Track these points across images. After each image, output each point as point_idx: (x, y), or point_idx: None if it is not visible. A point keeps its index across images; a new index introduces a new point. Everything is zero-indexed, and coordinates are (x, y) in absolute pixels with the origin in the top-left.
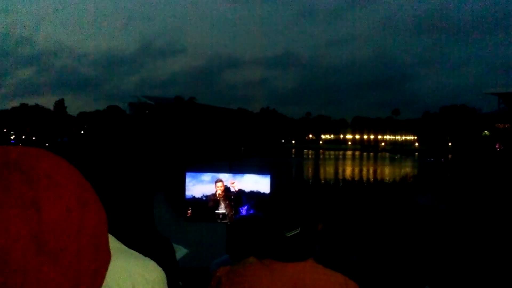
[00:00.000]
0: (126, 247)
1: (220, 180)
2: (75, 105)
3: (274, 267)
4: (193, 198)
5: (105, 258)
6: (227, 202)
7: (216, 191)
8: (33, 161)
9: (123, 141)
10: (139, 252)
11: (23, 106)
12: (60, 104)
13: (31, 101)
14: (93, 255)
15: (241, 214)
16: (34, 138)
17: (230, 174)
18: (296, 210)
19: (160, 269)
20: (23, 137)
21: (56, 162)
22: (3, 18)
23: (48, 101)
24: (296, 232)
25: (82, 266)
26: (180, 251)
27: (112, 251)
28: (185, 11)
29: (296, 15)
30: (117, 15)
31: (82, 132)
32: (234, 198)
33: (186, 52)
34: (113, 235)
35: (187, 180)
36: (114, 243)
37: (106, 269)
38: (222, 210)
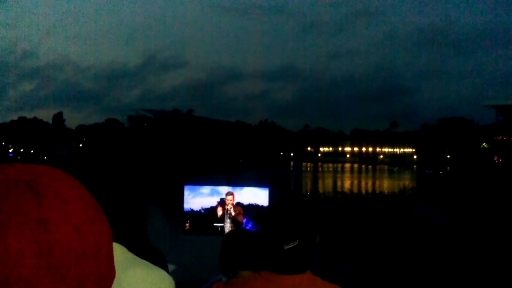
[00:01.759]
0: (137, 257)
1: (231, 193)
2: (75, 119)
3: (271, 279)
4: (191, 211)
5: (111, 274)
6: (232, 215)
7: (226, 204)
8: (43, 179)
9: (121, 154)
10: None
11: (22, 119)
12: (58, 117)
13: (32, 114)
14: (100, 272)
15: (241, 228)
16: (32, 151)
17: (229, 187)
18: (294, 223)
19: (170, 278)
20: (22, 150)
21: (64, 180)
22: (7, 32)
23: (49, 115)
24: (294, 244)
25: (88, 284)
26: (169, 267)
27: (125, 262)
28: (188, 25)
29: (299, 28)
30: (121, 29)
31: (81, 145)
32: (236, 212)
33: (188, 66)
34: None
35: (186, 193)
36: (126, 254)
37: (111, 283)
38: (227, 223)
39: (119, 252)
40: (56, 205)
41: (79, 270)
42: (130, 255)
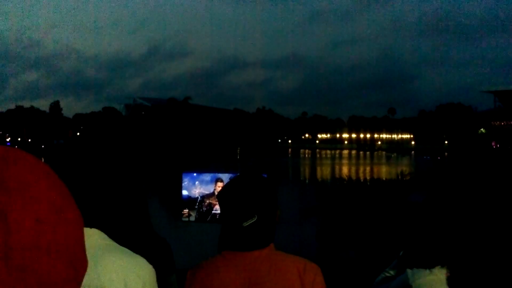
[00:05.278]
0: (117, 244)
1: (221, 180)
2: (76, 108)
3: (230, 258)
4: (190, 198)
5: (81, 265)
6: None
7: (214, 190)
8: (5, 165)
9: (118, 143)
10: (136, 251)
11: (19, 108)
12: (55, 106)
13: (34, 103)
14: (66, 266)
15: None
16: (29, 140)
17: (228, 175)
18: (250, 199)
19: (150, 266)
20: (19, 139)
21: (30, 166)
22: (14, 22)
23: (47, 104)
24: (253, 221)
25: (52, 280)
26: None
27: (104, 248)
28: (193, 14)
29: (303, 17)
30: (127, 19)
31: (78, 134)
32: None
33: (192, 55)
34: (108, 235)
35: (184, 180)
36: (105, 240)
37: (83, 275)
38: (218, 211)
39: (99, 238)
40: (17, 196)
41: (42, 266)
42: (110, 241)
